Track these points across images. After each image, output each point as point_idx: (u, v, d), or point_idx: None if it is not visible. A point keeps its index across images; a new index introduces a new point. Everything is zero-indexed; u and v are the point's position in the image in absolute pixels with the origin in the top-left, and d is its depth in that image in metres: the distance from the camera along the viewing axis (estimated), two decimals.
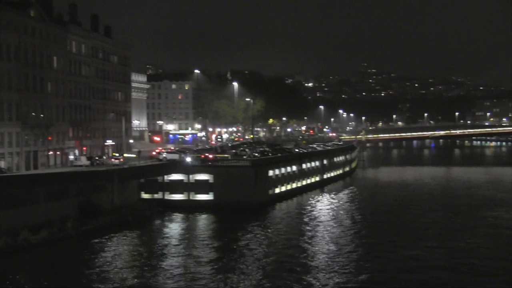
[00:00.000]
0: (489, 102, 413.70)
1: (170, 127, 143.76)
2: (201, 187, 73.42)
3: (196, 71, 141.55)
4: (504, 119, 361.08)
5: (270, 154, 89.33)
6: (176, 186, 74.22)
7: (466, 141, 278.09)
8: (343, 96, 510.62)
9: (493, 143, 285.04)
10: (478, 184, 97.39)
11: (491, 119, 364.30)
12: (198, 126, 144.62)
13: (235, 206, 68.88)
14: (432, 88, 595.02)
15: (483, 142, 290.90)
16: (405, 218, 65.73)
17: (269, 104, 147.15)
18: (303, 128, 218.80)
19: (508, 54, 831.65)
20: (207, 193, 73.00)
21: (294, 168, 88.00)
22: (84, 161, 76.10)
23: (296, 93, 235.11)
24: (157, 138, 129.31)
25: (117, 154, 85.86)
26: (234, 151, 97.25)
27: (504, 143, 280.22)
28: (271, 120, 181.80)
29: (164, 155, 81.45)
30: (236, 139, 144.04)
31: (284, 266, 44.37)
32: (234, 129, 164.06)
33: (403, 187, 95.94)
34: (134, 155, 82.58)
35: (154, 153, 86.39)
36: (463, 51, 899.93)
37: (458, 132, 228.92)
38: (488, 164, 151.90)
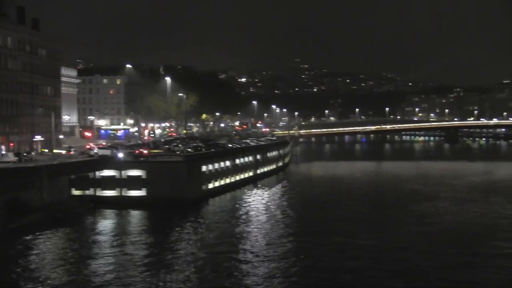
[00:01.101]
0: (417, 98, 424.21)
1: (102, 123, 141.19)
2: (134, 183, 72.28)
3: (128, 65, 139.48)
4: (431, 114, 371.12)
5: (203, 150, 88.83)
6: (108, 182, 72.85)
7: (396, 136, 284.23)
8: (276, 91, 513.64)
9: (422, 138, 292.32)
10: (407, 178, 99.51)
11: (420, 114, 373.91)
12: (130, 121, 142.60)
13: (168, 202, 68.17)
14: (363, 84, 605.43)
15: (412, 137, 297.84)
16: (336, 212, 66.37)
17: (202, 99, 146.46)
18: (237, 123, 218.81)
19: (436, 51, 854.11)
20: (139, 189, 71.95)
21: (228, 163, 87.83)
22: (11, 157, 73.68)
23: (229, 88, 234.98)
24: (88, 134, 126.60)
25: (46, 150, 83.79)
26: (167, 146, 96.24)
27: (432, 138, 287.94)
28: (204, 116, 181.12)
29: (95, 151, 79.76)
30: (169, 134, 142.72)
31: (216, 262, 44.14)
32: (167, 124, 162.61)
33: (335, 182, 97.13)
34: (64, 151, 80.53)
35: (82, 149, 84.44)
36: (393, 47, 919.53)
37: (388, 127, 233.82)
38: (416, 159, 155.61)
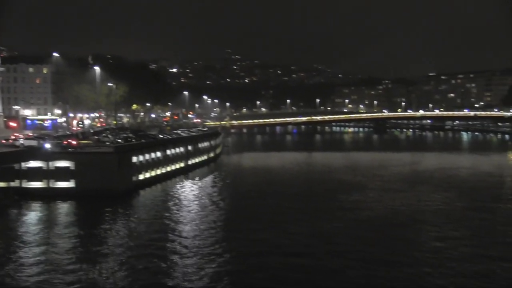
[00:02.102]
0: (347, 90, 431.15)
1: (28, 112, 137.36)
2: (62, 174, 70.56)
3: (55, 54, 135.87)
4: (361, 105, 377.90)
5: (133, 140, 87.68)
6: (34, 174, 70.78)
7: (327, 127, 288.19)
8: (207, 82, 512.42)
9: (351, 129, 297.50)
10: (337, 169, 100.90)
11: (349, 105, 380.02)
12: (58, 111, 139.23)
13: (97, 193, 66.96)
14: (294, 76, 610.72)
15: (342, 128, 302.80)
16: (267, 202, 66.64)
17: (132, 89, 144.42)
18: (168, 114, 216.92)
19: (364, 44, 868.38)
20: (68, 180, 70.33)
21: (159, 154, 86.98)
22: None
23: (160, 79, 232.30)
24: (13, 124, 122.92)
25: None
26: (96, 137, 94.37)
27: (361, 129, 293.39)
28: (134, 106, 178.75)
29: (21, 141, 77.36)
30: (99, 124, 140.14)
31: (145, 253, 43.55)
32: (97, 114, 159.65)
33: (267, 172, 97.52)
34: None
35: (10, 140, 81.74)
36: (324, 40, 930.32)
37: (319, 118, 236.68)
38: (346, 149, 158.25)
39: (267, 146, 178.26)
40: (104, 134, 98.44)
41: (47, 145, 73.50)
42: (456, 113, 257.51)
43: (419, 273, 38.61)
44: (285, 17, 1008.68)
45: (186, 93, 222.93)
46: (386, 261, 41.08)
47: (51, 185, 70.40)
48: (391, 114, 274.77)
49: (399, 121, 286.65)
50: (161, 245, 46.06)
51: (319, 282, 36.56)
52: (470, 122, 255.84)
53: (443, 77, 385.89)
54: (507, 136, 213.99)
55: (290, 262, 40.81)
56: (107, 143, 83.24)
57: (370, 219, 56.08)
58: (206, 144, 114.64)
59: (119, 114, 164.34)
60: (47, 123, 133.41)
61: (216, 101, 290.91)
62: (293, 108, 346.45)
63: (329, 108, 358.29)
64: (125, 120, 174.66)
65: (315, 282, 36.43)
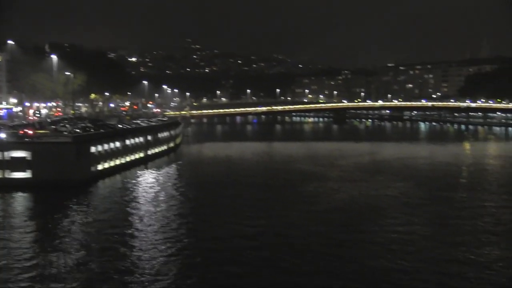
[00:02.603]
0: (307, 80, 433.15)
1: None
2: (18, 164, 69.29)
3: (10, 42, 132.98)
4: (321, 96, 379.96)
5: (92, 130, 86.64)
6: None
7: (287, 117, 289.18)
8: (167, 71, 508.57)
9: (311, 119, 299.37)
10: (297, 159, 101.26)
11: (309, 95, 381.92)
12: (13, 100, 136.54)
13: (55, 184, 66.07)
14: (254, 65, 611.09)
15: (302, 118, 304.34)
16: (227, 192, 66.55)
17: (90, 78, 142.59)
18: (127, 103, 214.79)
19: (324, 34, 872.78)
20: (24, 171, 69.15)
21: (118, 144, 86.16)
22: None
23: (119, 68, 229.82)
24: None
25: None
26: (53, 127, 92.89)
27: (321, 119, 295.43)
28: (93, 95, 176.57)
29: None
30: (56, 114, 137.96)
31: (103, 245, 43.08)
32: (54, 104, 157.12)
33: (227, 162, 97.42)
34: None
35: None
36: (284, 30, 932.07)
37: (279, 108, 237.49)
38: (306, 139, 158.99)
39: (227, 136, 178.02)
40: (61, 124, 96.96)
41: (2, 135, 72.14)
42: (414, 104, 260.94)
43: (378, 260, 38.99)
44: (245, 7, 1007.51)
45: (145, 82, 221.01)
46: (344, 249, 41.42)
47: (6, 176, 69.16)
48: (351, 104, 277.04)
49: (359, 111, 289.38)
50: (118, 235, 45.69)
51: (275, 274, 36.51)
52: (427, 113, 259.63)
53: (401, 68, 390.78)
54: (463, 126, 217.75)
55: (246, 254, 40.73)
56: (65, 133, 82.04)
57: (329, 208, 56.45)
58: (166, 134, 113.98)
59: (77, 104, 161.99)
60: (2, 113, 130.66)
61: (176, 90, 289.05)
62: (254, 98, 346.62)
63: (289, 98, 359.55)
64: (83, 109, 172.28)
65: (272, 275, 36.38)
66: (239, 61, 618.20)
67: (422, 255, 40.08)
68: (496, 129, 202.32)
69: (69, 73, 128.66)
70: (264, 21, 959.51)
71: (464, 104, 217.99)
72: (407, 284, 34.68)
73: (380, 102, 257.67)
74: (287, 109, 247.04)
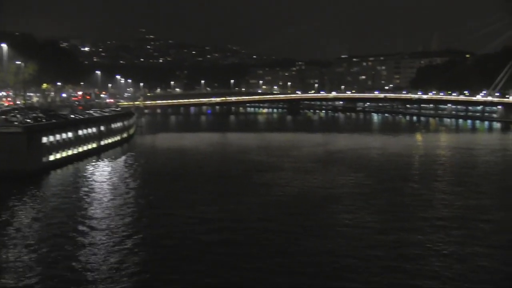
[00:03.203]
0: (261, 71, 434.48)
1: None
2: None
3: None
4: (275, 87, 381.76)
5: (44, 120, 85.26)
6: None
7: (241, 108, 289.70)
8: (121, 61, 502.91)
9: (266, 110, 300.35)
10: (251, 149, 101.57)
11: (264, 86, 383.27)
12: None
13: (5, 174, 64.64)
14: (208, 56, 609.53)
15: (256, 109, 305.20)
16: (181, 183, 66.40)
17: (42, 68, 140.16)
18: (80, 93, 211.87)
19: (279, 26, 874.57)
20: None
21: (70, 134, 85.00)
22: None
23: (72, 57, 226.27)
24: None
25: None
26: (4, 117, 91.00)
27: (275, 110, 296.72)
28: (45, 85, 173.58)
29: None
30: (7, 104, 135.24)
31: (53, 236, 42.41)
32: (4, 93, 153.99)
33: (181, 153, 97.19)
34: None
35: None
36: (238, 20, 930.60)
37: (233, 99, 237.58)
38: (260, 130, 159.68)
39: (181, 126, 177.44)
40: (12, 114, 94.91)
41: None
42: (367, 95, 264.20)
43: (329, 245, 39.51)
44: None
45: (98, 72, 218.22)
46: (298, 238, 41.83)
47: None
48: (305, 95, 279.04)
49: (312, 102, 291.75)
50: (69, 227, 45.04)
51: (228, 266, 36.58)
52: (380, 104, 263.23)
53: (355, 59, 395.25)
54: (415, 118, 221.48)
55: (200, 245, 40.76)
56: (16, 123, 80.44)
57: (283, 198, 56.84)
58: (119, 124, 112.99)
59: (28, 94, 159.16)
60: None
61: (129, 81, 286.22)
62: (208, 88, 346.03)
63: (244, 89, 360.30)
64: (35, 99, 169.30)
65: (225, 266, 36.47)
66: (193, 52, 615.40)
67: (373, 242, 40.71)
68: (447, 120, 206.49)
69: (20, 62, 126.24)
70: (218, 12, 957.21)
71: (416, 96, 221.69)
72: (358, 269, 35.15)
73: (333, 94, 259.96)
74: (242, 100, 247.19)
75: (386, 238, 41.85)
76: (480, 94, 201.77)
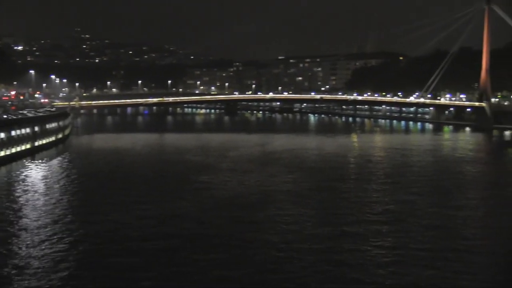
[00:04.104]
0: (199, 71, 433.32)
1: None
2: None
3: None
4: (212, 87, 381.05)
5: None
6: None
7: (178, 109, 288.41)
8: (55, 61, 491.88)
9: (203, 111, 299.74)
10: (189, 150, 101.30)
11: (201, 87, 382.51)
12: None
13: None
14: (145, 56, 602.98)
15: (194, 110, 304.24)
16: (117, 184, 65.77)
17: None
18: (13, 93, 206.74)
19: (216, 26, 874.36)
20: None
21: (3, 135, 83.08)
22: None
23: (4, 56, 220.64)
24: None
25: None
26: None
27: (212, 111, 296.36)
28: None
29: None
30: None
31: None
32: None
33: (118, 154, 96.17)
34: None
35: None
36: (175, 20, 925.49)
37: (170, 99, 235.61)
38: (198, 131, 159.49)
39: (118, 127, 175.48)
40: None
41: None
42: (303, 96, 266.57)
43: (267, 246, 39.98)
44: None
45: (32, 72, 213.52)
46: (235, 238, 42.14)
47: None
48: (242, 96, 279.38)
49: (250, 103, 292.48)
50: (3, 232, 44.09)
51: (164, 265, 36.61)
52: (317, 105, 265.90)
53: (291, 60, 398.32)
54: (350, 119, 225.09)
55: (137, 246, 40.65)
56: None
57: (220, 199, 57.00)
58: (54, 125, 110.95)
59: None
60: None
61: (64, 80, 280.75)
62: (145, 89, 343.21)
63: (181, 90, 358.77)
64: None
65: (161, 266, 36.47)
66: (130, 52, 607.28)
67: (310, 241, 41.38)
68: (382, 121, 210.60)
69: None
70: (155, 12, 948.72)
71: (351, 97, 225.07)
72: (295, 262, 35.72)
73: (270, 94, 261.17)
74: (179, 100, 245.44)
75: (322, 233, 42.95)
76: (413, 95, 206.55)
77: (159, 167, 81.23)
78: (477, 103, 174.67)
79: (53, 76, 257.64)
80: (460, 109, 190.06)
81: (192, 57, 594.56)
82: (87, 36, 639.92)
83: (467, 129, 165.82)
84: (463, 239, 42.95)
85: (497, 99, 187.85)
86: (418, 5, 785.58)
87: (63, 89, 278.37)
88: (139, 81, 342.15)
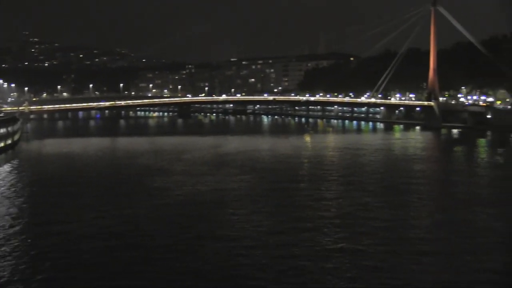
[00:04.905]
0: (151, 74, 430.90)
1: None
2: None
3: None
4: (165, 90, 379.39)
5: None
6: None
7: (131, 112, 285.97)
8: (3, 65, 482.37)
9: (156, 114, 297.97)
10: (142, 153, 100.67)
11: (154, 90, 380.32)
12: None
13: None
14: (97, 59, 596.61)
15: (147, 113, 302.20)
16: (68, 191, 64.61)
17: None
18: None
19: (168, 29, 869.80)
20: None
21: None
22: None
23: None
24: None
25: None
26: None
27: (166, 114, 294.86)
28: None
29: None
30: None
31: None
32: None
33: (69, 159, 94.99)
34: None
35: None
36: (127, 23, 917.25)
37: (123, 103, 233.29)
38: (151, 134, 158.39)
39: (69, 132, 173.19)
40: None
41: None
42: (256, 98, 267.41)
43: (224, 248, 40.02)
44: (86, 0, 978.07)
45: None
46: (190, 242, 42.08)
47: None
48: (195, 98, 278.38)
49: (203, 106, 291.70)
50: None
51: (117, 274, 36.33)
52: (270, 106, 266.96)
53: (244, 62, 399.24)
54: (303, 119, 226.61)
55: (92, 249, 40.30)
56: None
57: (174, 202, 56.82)
58: (2, 130, 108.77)
59: None
60: None
61: (13, 85, 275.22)
62: (96, 92, 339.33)
63: (133, 93, 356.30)
64: None
65: (114, 274, 36.18)
66: (80, 55, 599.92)
67: (265, 243, 41.58)
68: (334, 121, 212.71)
69: None
70: (106, 14, 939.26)
71: (304, 98, 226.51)
72: (254, 272, 35.86)
73: (224, 96, 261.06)
74: (131, 103, 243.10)
75: (276, 237, 43.07)
76: (364, 95, 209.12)
77: (112, 171, 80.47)
78: (426, 103, 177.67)
79: (0, 81, 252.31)
80: (410, 108, 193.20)
81: (144, 60, 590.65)
82: (35, 39, 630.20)
83: (417, 128, 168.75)
84: (411, 237, 43.77)
85: (445, 98, 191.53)
86: (367, 6, 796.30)
87: (12, 94, 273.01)
88: (91, 85, 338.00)
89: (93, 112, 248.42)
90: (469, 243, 41.94)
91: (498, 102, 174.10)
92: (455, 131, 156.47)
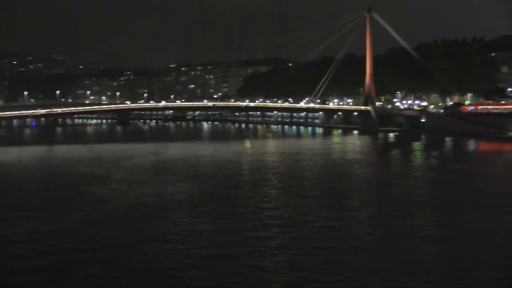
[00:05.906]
0: (89, 81, 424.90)
1: None
2: None
3: None
4: (103, 97, 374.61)
5: None
6: None
7: (68, 120, 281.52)
8: None
9: (94, 121, 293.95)
10: (79, 161, 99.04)
11: (92, 97, 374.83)
12: None
13: None
14: (31, 66, 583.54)
15: (85, 120, 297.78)
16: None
17: None
18: None
19: (105, 35, 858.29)
20: None
21: None
22: None
23: None
24: None
25: None
26: None
27: (104, 121, 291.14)
28: None
29: None
30: None
31: None
32: None
33: (1, 168, 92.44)
34: None
35: None
36: (62, 29, 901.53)
37: (59, 110, 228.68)
38: (89, 141, 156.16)
39: (3, 140, 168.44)
40: None
41: None
42: (196, 104, 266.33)
43: (166, 255, 39.76)
44: (16, 4, 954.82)
45: None
46: (131, 249, 41.65)
47: None
48: (134, 105, 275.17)
49: (142, 112, 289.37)
50: None
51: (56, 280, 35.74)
52: (210, 112, 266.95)
53: (183, 68, 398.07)
54: (243, 125, 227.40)
55: (26, 263, 39.43)
56: None
57: (113, 210, 56.11)
58: None
59: None
60: None
61: None
62: (32, 100, 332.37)
63: (70, 100, 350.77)
64: None
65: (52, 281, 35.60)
66: (14, 62, 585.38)
67: (207, 249, 41.55)
68: (274, 127, 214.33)
69: None
70: (41, 20, 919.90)
71: (244, 104, 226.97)
72: (194, 277, 35.76)
73: (163, 103, 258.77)
74: (68, 111, 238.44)
75: (218, 241, 43.23)
76: (303, 101, 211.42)
77: (48, 180, 78.75)
78: (363, 107, 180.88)
79: None
80: (347, 113, 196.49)
81: (81, 66, 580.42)
82: None
83: (355, 132, 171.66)
84: (351, 240, 44.46)
85: (381, 103, 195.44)
86: (303, 12, 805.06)
87: None
88: (25, 92, 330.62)
89: (28, 120, 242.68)
90: (404, 243, 42.91)
91: (432, 106, 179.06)
92: (391, 134, 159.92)
